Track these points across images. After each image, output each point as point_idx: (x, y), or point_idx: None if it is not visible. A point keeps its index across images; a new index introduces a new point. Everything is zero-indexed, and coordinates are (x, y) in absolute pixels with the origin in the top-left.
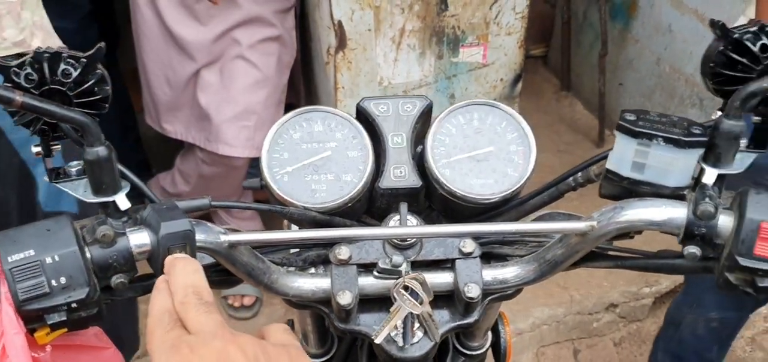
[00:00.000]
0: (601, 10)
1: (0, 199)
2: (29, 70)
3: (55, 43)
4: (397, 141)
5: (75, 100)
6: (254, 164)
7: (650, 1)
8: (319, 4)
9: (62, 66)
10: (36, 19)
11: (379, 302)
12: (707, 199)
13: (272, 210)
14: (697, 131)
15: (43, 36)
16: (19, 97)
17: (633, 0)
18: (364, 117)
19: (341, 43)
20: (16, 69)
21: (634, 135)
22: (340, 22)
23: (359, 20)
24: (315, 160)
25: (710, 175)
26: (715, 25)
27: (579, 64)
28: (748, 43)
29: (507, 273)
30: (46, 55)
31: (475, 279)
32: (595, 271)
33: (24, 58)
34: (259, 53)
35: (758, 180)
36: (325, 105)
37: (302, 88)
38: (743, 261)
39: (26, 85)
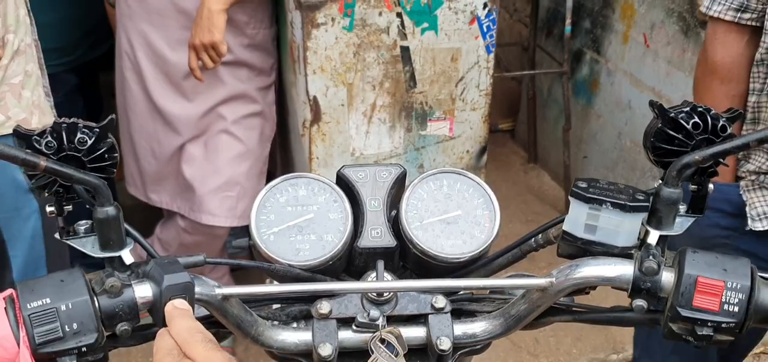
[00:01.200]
0: (565, 88)
1: None
2: (49, 138)
3: (49, 119)
4: (374, 205)
5: (88, 165)
6: (232, 232)
7: (610, 79)
8: (296, 82)
9: (79, 135)
10: (34, 99)
11: (357, 355)
12: (651, 257)
13: (259, 267)
14: (641, 197)
15: (40, 115)
16: (43, 162)
17: (594, 78)
18: (344, 183)
19: (316, 116)
20: (37, 137)
21: (586, 201)
22: (315, 98)
23: (333, 96)
24: (299, 221)
25: (653, 236)
26: (653, 105)
27: (545, 137)
28: (683, 122)
29: (476, 327)
30: (64, 124)
31: (447, 333)
32: (563, 338)
33: (46, 127)
34: (242, 127)
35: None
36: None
37: (279, 158)
38: (684, 312)
39: (46, 152)
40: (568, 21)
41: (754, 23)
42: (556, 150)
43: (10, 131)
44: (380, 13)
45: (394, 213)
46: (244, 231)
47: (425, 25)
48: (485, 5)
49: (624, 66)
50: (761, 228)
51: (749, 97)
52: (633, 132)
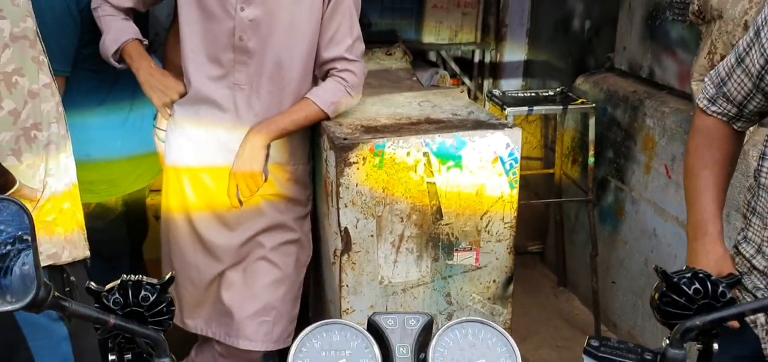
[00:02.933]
0: (590, 214)
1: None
2: (117, 295)
3: (80, 253)
4: (403, 351)
5: (149, 319)
6: (265, 355)
7: (635, 207)
8: (328, 213)
9: (142, 292)
10: (67, 234)
11: None
12: None
13: None
14: (649, 357)
15: (71, 249)
16: (112, 320)
17: (619, 205)
18: (374, 328)
19: (347, 246)
20: (106, 294)
21: (598, 359)
22: (346, 229)
23: (363, 227)
24: None
25: None
26: (657, 271)
27: (573, 261)
28: (684, 287)
29: None
30: (130, 282)
31: None
32: None
33: (113, 285)
34: (280, 254)
35: None
36: (331, 301)
37: (311, 282)
38: None
39: (113, 308)
40: (591, 152)
41: (718, 117)
42: (585, 274)
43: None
44: (408, 153)
45: (422, 357)
46: (277, 354)
47: (450, 163)
48: (507, 145)
49: (647, 195)
50: None
51: (762, 161)
52: (659, 259)
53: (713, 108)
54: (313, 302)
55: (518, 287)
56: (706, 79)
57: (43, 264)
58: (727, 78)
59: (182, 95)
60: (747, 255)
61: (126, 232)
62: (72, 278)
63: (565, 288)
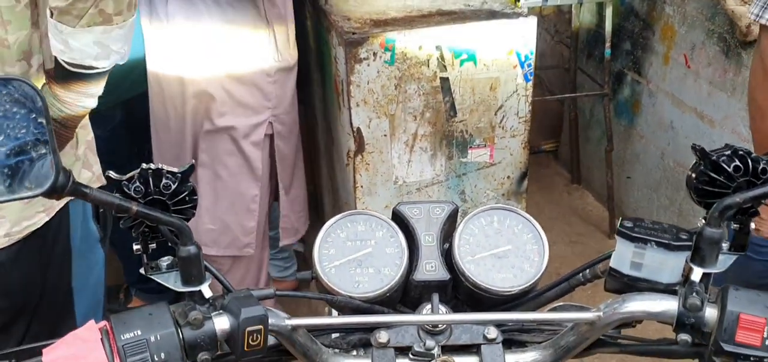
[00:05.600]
0: (606, 109)
1: (52, 283)
2: (137, 183)
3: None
4: (428, 240)
5: (172, 208)
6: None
7: (652, 100)
8: (340, 114)
9: (163, 180)
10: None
11: None
12: (694, 294)
13: (322, 298)
14: (684, 236)
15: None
16: (134, 207)
17: (636, 99)
18: (399, 218)
19: (360, 147)
20: (126, 182)
21: (632, 239)
22: (358, 129)
23: (376, 127)
24: (358, 255)
25: (697, 274)
26: (695, 149)
27: (588, 158)
28: (724, 165)
29: (526, 357)
30: (150, 171)
31: None
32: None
33: (133, 174)
34: (223, 165)
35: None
36: (346, 202)
37: (327, 186)
38: (727, 347)
39: (135, 196)
40: (608, 44)
41: None
42: (600, 170)
43: (98, 185)
44: (420, 47)
45: (447, 246)
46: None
47: (464, 56)
48: (522, 36)
49: (665, 87)
50: None
51: None
52: (676, 152)
53: None
54: (329, 204)
55: (532, 185)
56: None
57: (95, 185)
58: None
59: None
60: None
61: (129, 141)
62: None
63: (578, 185)
